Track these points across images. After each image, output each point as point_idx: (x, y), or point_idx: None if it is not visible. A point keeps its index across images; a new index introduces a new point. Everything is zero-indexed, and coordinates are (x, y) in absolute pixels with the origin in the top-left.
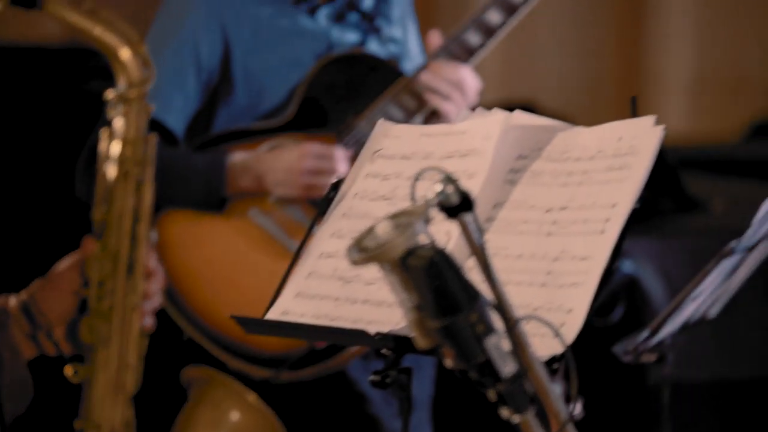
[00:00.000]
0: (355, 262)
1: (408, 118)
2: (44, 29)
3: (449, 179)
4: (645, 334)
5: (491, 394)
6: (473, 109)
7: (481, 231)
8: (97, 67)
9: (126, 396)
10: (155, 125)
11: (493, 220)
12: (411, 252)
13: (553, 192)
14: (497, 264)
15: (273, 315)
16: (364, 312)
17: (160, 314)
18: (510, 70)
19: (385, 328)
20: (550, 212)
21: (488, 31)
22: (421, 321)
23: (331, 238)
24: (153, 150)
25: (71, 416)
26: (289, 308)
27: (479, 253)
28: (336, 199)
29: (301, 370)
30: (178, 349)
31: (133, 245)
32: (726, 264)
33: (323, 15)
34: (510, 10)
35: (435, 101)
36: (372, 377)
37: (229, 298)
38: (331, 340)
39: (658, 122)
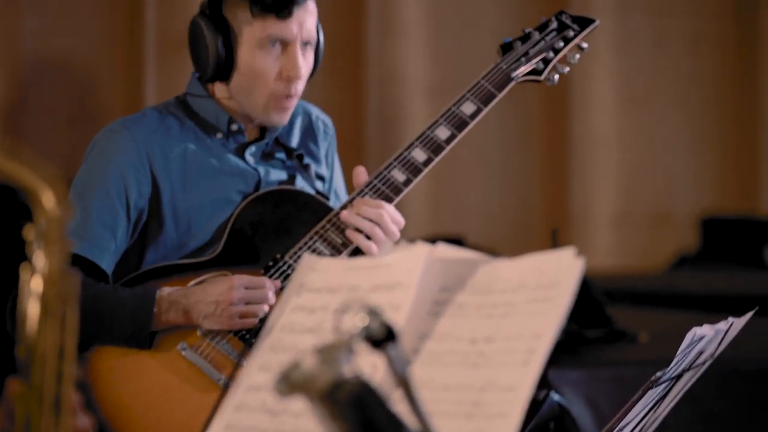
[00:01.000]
0: (283, 395)
1: (335, 253)
2: None
3: (373, 312)
4: None
5: None
6: (397, 242)
7: (407, 363)
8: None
9: None
10: (87, 265)
11: (420, 352)
12: (337, 385)
13: (478, 324)
14: (424, 395)
15: None
16: None
17: None
18: (437, 205)
19: None
20: (476, 343)
21: (414, 170)
22: None
23: (259, 372)
24: (75, 287)
25: None
26: None
27: (405, 384)
28: (263, 332)
29: None
30: None
31: (59, 383)
32: (652, 394)
33: (250, 154)
34: (435, 150)
35: (356, 238)
36: None
37: None
38: None
39: (583, 255)
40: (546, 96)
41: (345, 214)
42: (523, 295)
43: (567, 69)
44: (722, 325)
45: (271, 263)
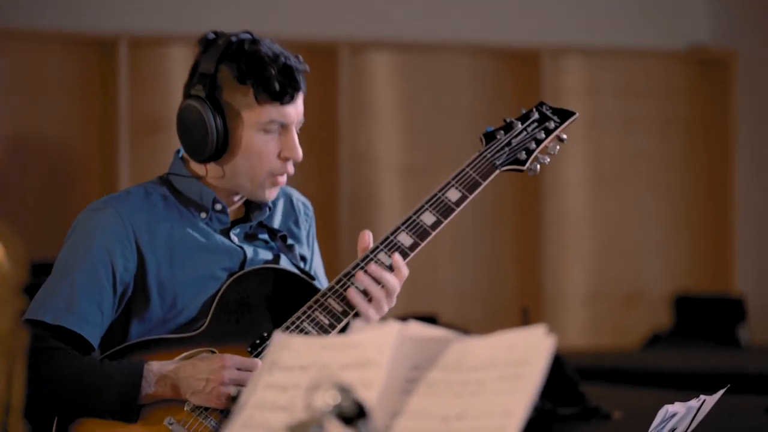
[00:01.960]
0: None
1: (321, 333)
2: None
3: (345, 390)
4: None
5: None
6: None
7: None
8: None
9: None
10: (74, 338)
11: (391, 430)
12: None
13: (449, 401)
14: None
15: None
16: None
17: None
18: (412, 284)
19: None
20: (447, 421)
21: (402, 253)
22: None
23: None
24: (23, 344)
25: None
26: None
27: None
28: (236, 409)
29: None
30: None
31: None
32: None
33: (234, 234)
34: (421, 235)
35: (362, 305)
36: None
37: None
38: None
39: (556, 333)
40: (519, 177)
41: (362, 277)
42: (494, 373)
43: (547, 159)
44: (694, 403)
45: (258, 341)
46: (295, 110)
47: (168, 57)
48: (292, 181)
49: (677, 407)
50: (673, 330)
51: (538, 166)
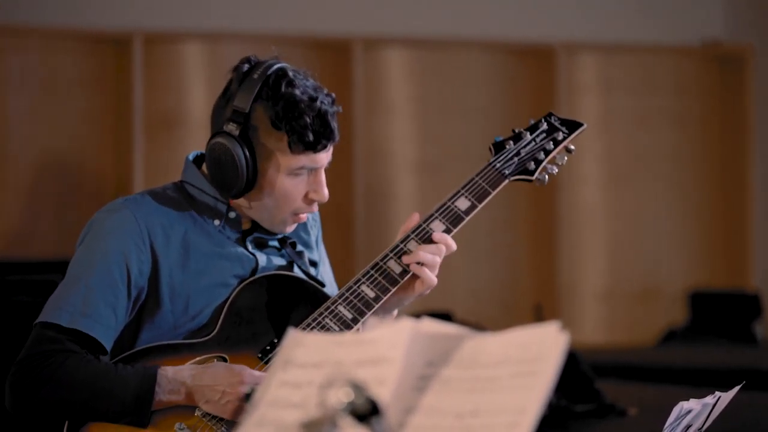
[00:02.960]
0: None
1: (345, 330)
2: None
3: (358, 387)
4: None
5: None
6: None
7: None
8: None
9: None
10: (88, 341)
11: (405, 426)
12: None
13: (462, 398)
14: None
15: None
16: None
17: None
18: None
19: None
20: (461, 418)
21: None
22: None
23: None
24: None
25: None
26: None
27: None
28: (250, 407)
29: None
30: None
31: None
32: None
33: (249, 242)
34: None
35: (417, 268)
36: None
37: None
38: None
39: (571, 330)
40: None
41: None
42: (507, 370)
43: (556, 170)
44: (709, 399)
45: (268, 347)
46: (327, 155)
47: (182, 54)
48: None
49: (692, 404)
50: (689, 326)
51: (547, 177)
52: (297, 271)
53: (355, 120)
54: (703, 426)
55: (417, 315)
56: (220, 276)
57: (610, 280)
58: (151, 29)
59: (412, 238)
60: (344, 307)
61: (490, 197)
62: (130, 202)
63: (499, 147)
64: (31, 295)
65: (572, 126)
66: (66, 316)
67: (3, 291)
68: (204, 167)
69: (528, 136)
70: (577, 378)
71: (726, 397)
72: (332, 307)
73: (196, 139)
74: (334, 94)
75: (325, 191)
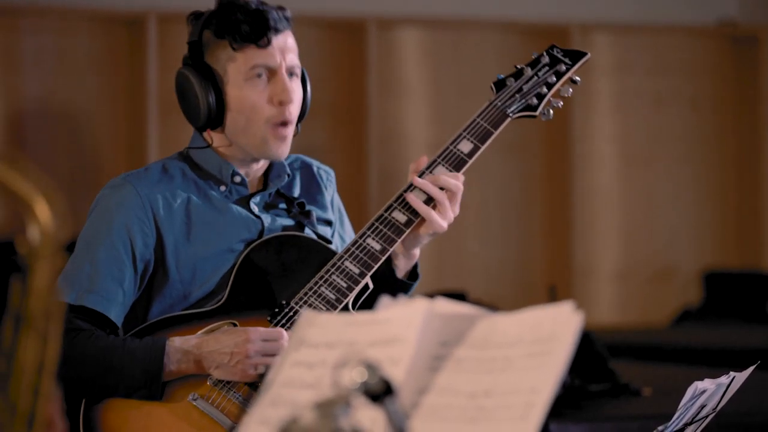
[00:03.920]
0: None
1: (339, 297)
2: None
3: (372, 367)
4: None
5: None
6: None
7: (406, 417)
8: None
9: None
10: (96, 317)
11: (418, 406)
12: None
13: (476, 378)
14: None
15: None
16: None
17: None
18: (440, 261)
19: None
20: (475, 398)
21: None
22: None
23: (259, 426)
24: (60, 306)
25: None
26: None
27: None
28: (264, 387)
29: None
30: None
31: (35, 398)
32: None
33: (254, 203)
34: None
35: (423, 208)
36: None
37: None
38: None
39: (585, 310)
40: (547, 153)
41: (416, 180)
42: (521, 350)
43: (561, 103)
44: (724, 379)
45: (277, 309)
46: (280, 54)
47: None
48: (321, 159)
49: (707, 384)
50: (703, 306)
51: (551, 111)
52: (306, 231)
53: (369, 101)
54: (717, 406)
55: (431, 295)
56: (226, 242)
57: (624, 260)
58: (165, 9)
59: (414, 187)
60: (350, 263)
61: (492, 137)
62: (132, 176)
63: (500, 85)
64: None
65: (575, 56)
66: (72, 293)
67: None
68: (210, 136)
69: (530, 72)
70: (591, 358)
71: (740, 377)
72: (339, 263)
73: None
74: (287, 9)
75: (289, 91)
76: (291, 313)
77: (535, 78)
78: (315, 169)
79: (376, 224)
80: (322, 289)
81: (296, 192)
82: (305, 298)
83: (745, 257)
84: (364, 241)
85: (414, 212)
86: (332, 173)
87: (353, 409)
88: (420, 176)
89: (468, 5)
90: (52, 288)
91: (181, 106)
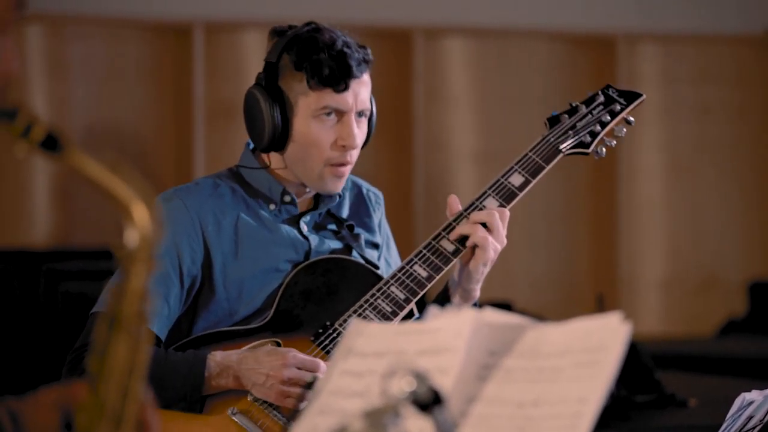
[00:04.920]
0: None
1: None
2: (32, 236)
3: (421, 376)
4: None
5: None
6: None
7: (455, 426)
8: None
9: None
10: None
11: (467, 416)
12: None
13: (524, 388)
14: None
15: None
16: None
17: None
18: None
19: None
20: (523, 408)
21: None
22: None
23: None
24: (151, 308)
25: None
26: None
27: None
28: (312, 396)
29: None
30: None
31: (124, 399)
32: None
33: (305, 222)
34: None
35: (474, 235)
36: None
37: None
38: None
39: (630, 320)
40: (593, 164)
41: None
42: (570, 360)
43: (614, 142)
44: None
45: (321, 330)
46: (353, 97)
47: (243, 42)
48: (366, 168)
49: (754, 395)
50: (748, 317)
51: (604, 150)
52: (354, 254)
53: (415, 110)
54: (765, 417)
55: (478, 305)
56: (273, 261)
57: (670, 269)
58: (211, 18)
59: (465, 216)
60: (397, 288)
61: (543, 172)
62: (181, 191)
63: (554, 121)
64: (82, 282)
65: (630, 97)
66: None
67: (56, 280)
68: (260, 156)
69: (584, 109)
70: (638, 368)
71: None
72: (384, 288)
73: None
74: (368, 48)
75: (355, 137)
76: (334, 335)
77: (590, 116)
78: (365, 191)
79: (424, 251)
80: (367, 312)
81: (345, 213)
82: (350, 321)
83: None
84: (411, 267)
85: (462, 242)
86: (381, 196)
87: (402, 419)
88: (469, 208)
89: (514, 15)
90: (146, 292)
91: (247, 124)
